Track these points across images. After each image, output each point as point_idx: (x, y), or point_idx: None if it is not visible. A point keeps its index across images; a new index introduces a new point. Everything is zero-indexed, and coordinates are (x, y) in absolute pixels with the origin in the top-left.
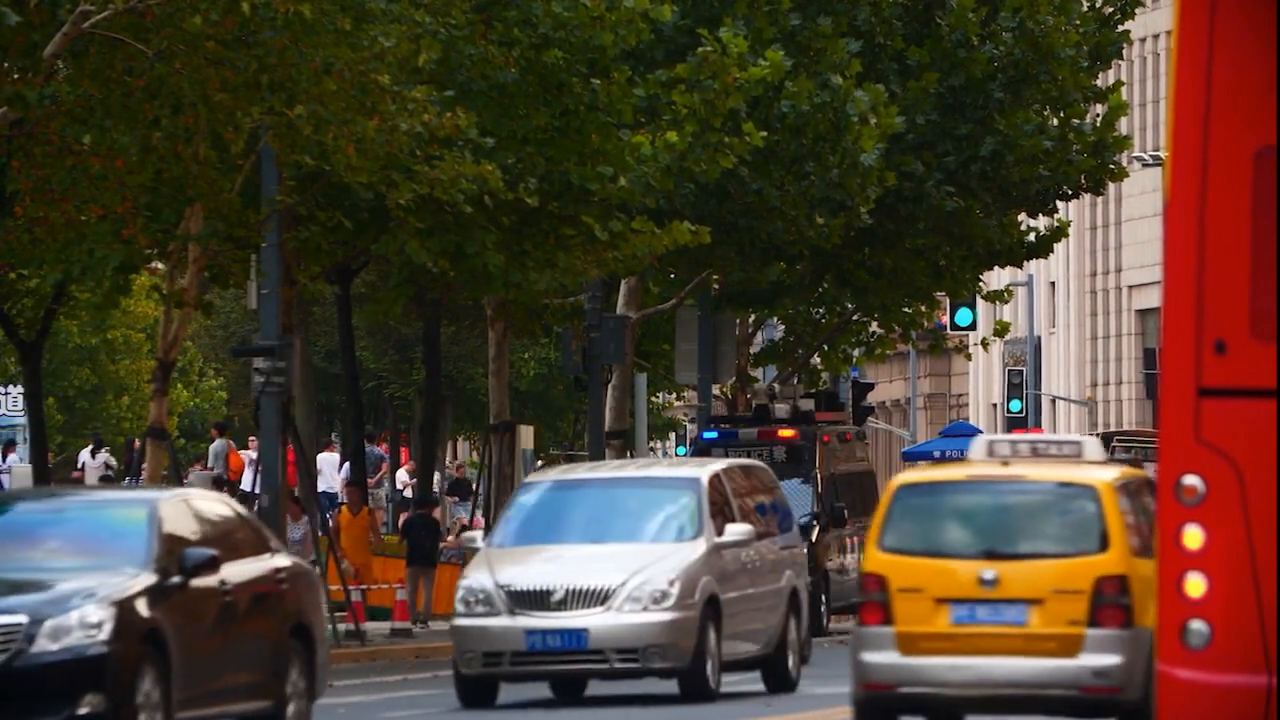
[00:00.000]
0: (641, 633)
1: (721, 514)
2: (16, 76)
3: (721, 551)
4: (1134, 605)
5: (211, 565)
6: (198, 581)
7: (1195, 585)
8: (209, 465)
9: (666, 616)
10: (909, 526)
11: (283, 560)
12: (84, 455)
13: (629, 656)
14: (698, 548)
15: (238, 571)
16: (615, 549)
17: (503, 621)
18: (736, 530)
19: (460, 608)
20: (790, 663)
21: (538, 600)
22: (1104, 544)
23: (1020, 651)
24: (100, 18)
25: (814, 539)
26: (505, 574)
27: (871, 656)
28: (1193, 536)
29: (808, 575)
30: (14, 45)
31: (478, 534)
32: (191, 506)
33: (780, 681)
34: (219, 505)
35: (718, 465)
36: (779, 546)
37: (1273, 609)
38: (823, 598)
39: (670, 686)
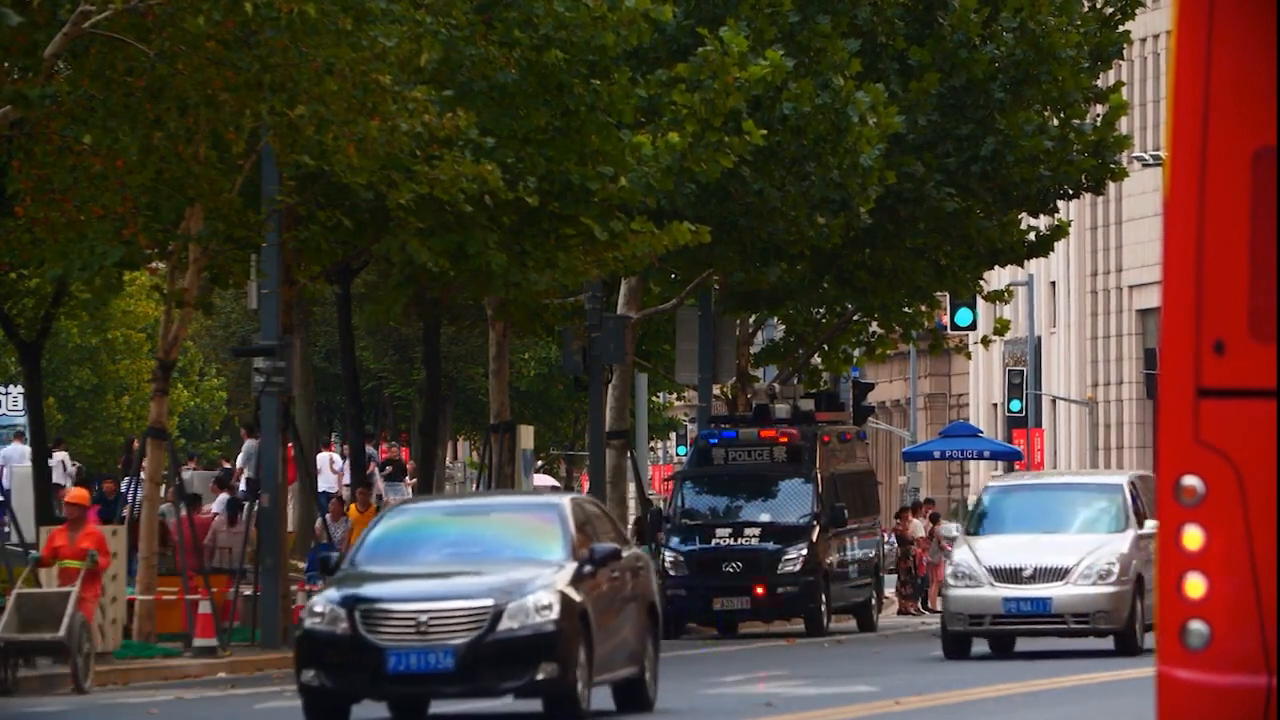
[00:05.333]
0: None
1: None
2: (17, 76)
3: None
4: None
5: (615, 556)
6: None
7: (1195, 586)
8: (240, 466)
9: None
10: None
11: (636, 549)
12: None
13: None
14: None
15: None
16: None
17: (985, 591)
18: None
19: (951, 580)
20: None
21: (1012, 575)
22: None
23: None
24: (101, 18)
25: (814, 539)
26: (985, 556)
27: None
28: (1192, 537)
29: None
30: (15, 45)
31: (954, 525)
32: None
33: None
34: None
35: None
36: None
37: (1273, 609)
38: (822, 597)
39: None
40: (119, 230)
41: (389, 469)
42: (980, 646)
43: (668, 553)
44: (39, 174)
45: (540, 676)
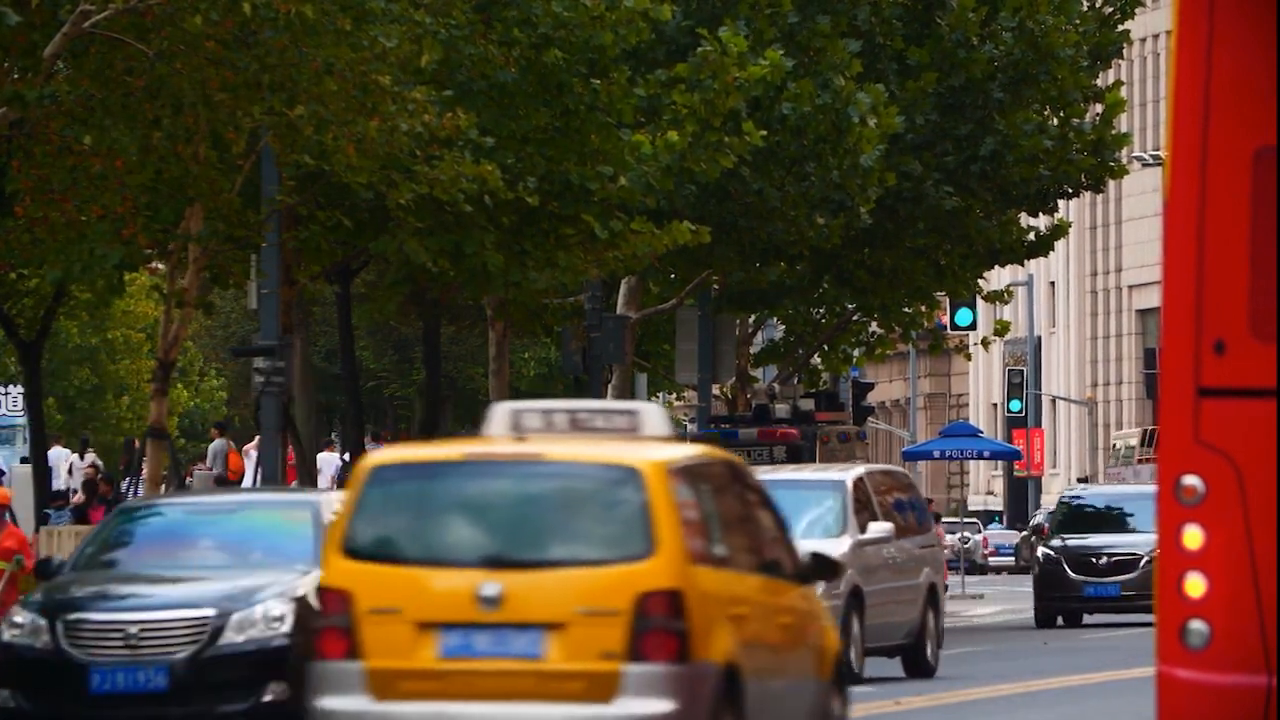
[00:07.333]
0: None
1: None
2: (16, 76)
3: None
4: (693, 631)
5: None
6: None
7: (1195, 585)
8: (209, 465)
9: None
10: (386, 523)
11: None
12: (63, 456)
13: None
14: None
15: None
16: None
17: None
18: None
19: None
20: None
21: None
22: (650, 547)
23: (534, 695)
24: (100, 17)
25: None
26: None
27: (333, 702)
28: (1192, 536)
29: None
30: (14, 45)
31: None
32: None
33: None
34: None
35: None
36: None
37: (1273, 609)
38: None
39: None
40: (119, 230)
41: None
42: None
43: None
44: (38, 174)
45: (267, 698)
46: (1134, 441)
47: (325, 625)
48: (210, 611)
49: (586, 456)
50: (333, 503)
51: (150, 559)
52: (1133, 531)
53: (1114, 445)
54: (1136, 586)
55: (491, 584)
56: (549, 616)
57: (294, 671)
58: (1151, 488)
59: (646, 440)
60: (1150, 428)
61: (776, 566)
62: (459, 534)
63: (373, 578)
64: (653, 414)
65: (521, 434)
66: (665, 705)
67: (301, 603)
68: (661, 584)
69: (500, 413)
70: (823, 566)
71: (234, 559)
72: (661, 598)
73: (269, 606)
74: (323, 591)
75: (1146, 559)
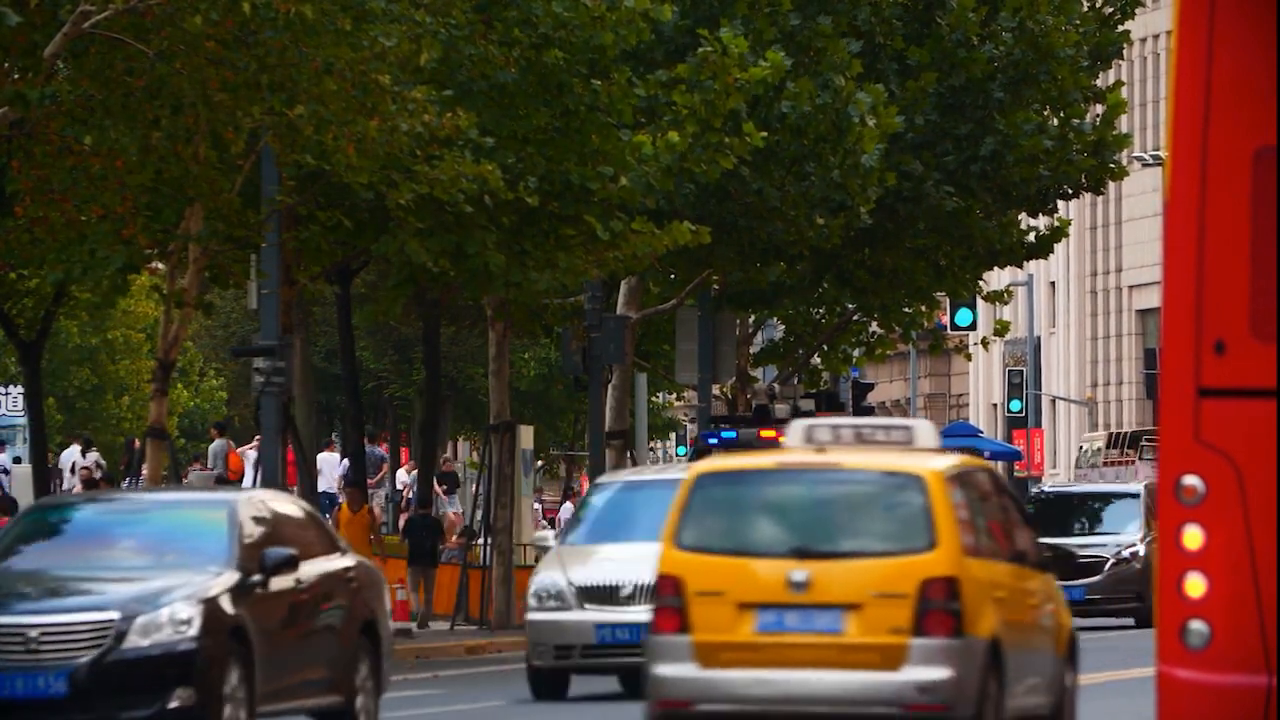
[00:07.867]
0: None
1: None
2: (17, 76)
3: None
4: (965, 611)
5: (290, 564)
6: (277, 580)
7: (1195, 585)
8: (209, 465)
9: None
10: (710, 521)
11: (350, 560)
12: (73, 455)
13: None
14: None
15: (312, 570)
16: None
17: (573, 615)
18: None
19: (533, 602)
20: None
21: (607, 595)
22: (932, 541)
23: (835, 664)
24: (100, 18)
25: None
26: (576, 571)
27: (666, 669)
28: (1192, 536)
29: None
30: (14, 45)
31: (549, 533)
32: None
33: None
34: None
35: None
36: None
37: (1273, 609)
38: None
39: None
40: (119, 231)
41: (444, 485)
42: (609, 684)
43: None
44: (39, 174)
45: (173, 704)
46: (1100, 444)
47: (662, 605)
48: (114, 614)
49: (877, 465)
50: (252, 503)
51: (59, 560)
52: (1099, 533)
53: (1080, 448)
54: (1102, 590)
55: (800, 571)
56: (848, 598)
57: (201, 676)
58: (1118, 486)
59: (921, 452)
60: (1116, 430)
61: (1024, 556)
62: (772, 529)
63: (700, 566)
64: (925, 429)
65: (816, 445)
66: (944, 672)
67: (211, 604)
68: (941, 572)
69: (796, 428)
70: (1060, 558)
71: (146, 560)
72: (941, 584)
73: (175, 609)
74: (659, 578)
75: (1113, 561)
